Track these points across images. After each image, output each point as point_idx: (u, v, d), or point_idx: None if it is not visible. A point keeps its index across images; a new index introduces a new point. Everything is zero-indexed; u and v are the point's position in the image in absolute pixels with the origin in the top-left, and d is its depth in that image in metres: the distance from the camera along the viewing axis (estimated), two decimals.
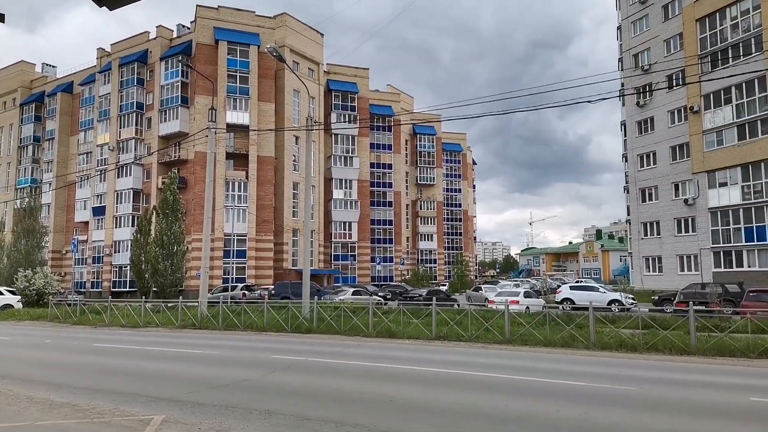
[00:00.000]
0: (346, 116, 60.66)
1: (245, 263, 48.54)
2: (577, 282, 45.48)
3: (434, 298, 20.11)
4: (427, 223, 79.97)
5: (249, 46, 50.80)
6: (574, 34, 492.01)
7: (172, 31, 55.38)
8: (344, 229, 60.27)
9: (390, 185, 69.14)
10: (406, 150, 78.06)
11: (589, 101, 17.24)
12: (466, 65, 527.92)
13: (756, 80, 35.14)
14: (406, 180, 77.42)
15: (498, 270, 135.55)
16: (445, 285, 60.78)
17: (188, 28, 55.35)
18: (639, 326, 15.75)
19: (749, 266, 35.58)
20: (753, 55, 34.98)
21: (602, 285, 42.47)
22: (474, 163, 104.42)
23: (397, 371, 11.25)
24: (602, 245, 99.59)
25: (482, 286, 41.35)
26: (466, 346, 15.66)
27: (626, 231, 50.83)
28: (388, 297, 37.88)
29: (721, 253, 37.39)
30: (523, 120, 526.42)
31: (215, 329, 20.81)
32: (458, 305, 27.06)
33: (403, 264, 70.15)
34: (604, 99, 17.63)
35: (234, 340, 17.81)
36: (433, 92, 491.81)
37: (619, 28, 47.41)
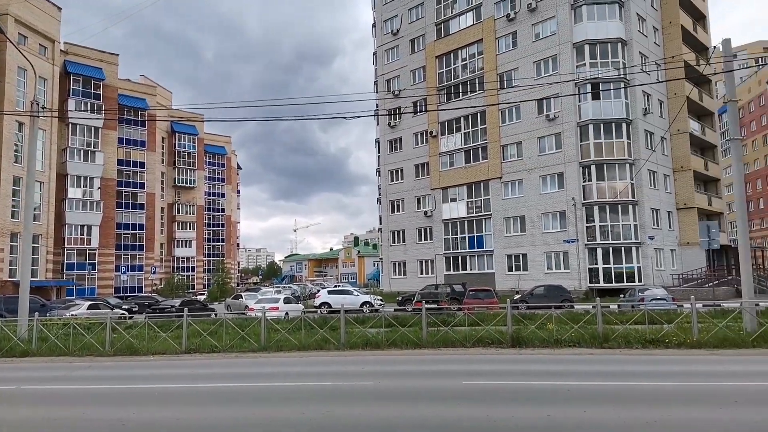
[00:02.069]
0: (89, 105, 53.19)
1: None
2: (335, 286, 47.91)
3: (186, 308, 18.82)
4: (186, 229, 75.03)
5: None
6: (337, 53, 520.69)
7: None
8: (82, 234, 52.50)
9: (142, 186, 62.88)
10: (163, 149, 72.15)
11: (344, 118, 18.35)
12: (231, 66, 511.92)
13: (478, 114, 42.28)
14: (162, 181, 71.49)
15: (261, 277, 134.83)
16: (203, 294, 57.73)
17: None
18: (382, 325, 17.28)
19: (471, 269, 42.39)
20: (477, 93, 41.99)
21: (357, 288, 45.64)
22: (239, 167, 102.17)
23: (136, 391, 10.14)
24: (359, 251, 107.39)
25: (243, 294, 40.47)
26: (220, 357, 15.02)
27: (379, 238, 55.78)
28: (134, 310, 34.24)
29: (451, 258, 43.76)
30: (288, 128, 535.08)
31: None
32: (216, 315, 25.88)
33: (154, 273, 64.31)
34: (359, 117, 19.00)
35: None
36: (194, 90, 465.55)
37: (375, 54, 52.00)
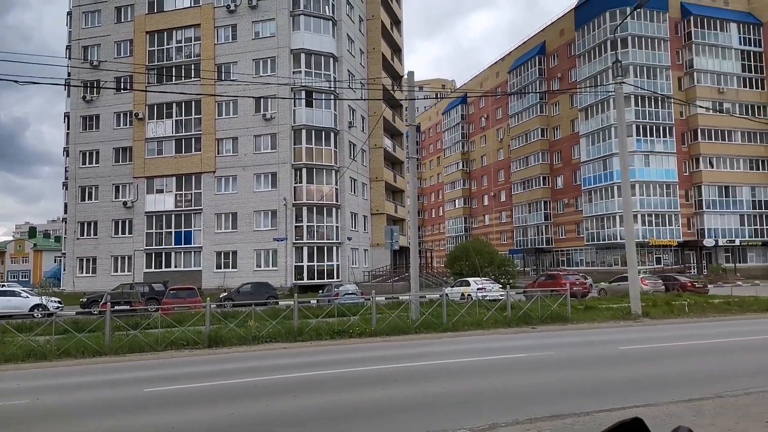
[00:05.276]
0: None
1: None
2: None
3: None
4: None
5: None
6: (16, 2, 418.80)
7: None
8: None
9: None
10: None
11: (16, 81, 14.99)
12: None
13: (193, 102, 40.10)
14: None
15: None
16: None
17: None
18: (53, 332, 14.62)
19: (176, 266, 39.82)
20: (192, 80, 39.71)
21: (28, 289, 37.92)
22: None
23: None
24: (35, 244, 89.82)
25: None
26: None
27: (64, 230, 47.61)
28: None
29: (153, 254, 40.33)
30: None
31: None
32: None
33: None
34: (38, 84, 15.75)
35: None
36: None
37: (69, 14, 44.39)
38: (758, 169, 51.54)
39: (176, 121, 40.83)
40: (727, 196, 50.50)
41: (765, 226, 51.20)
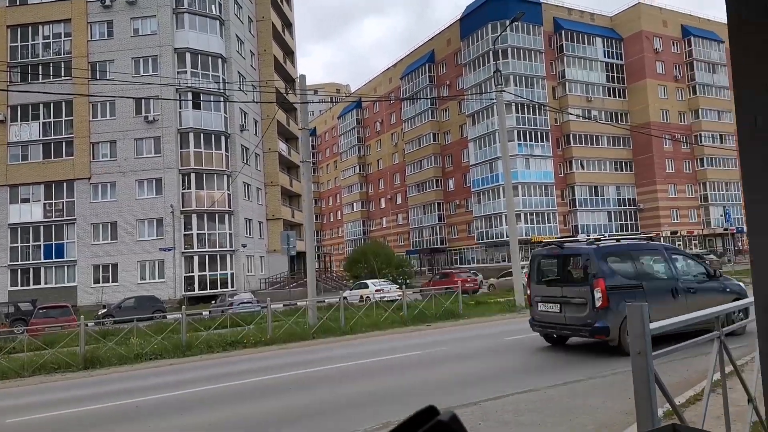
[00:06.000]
0: None
1: None
2: None
3: None
4: None
5: None
6: None
7: None
8: None
9: None
10: None
11: None
12: None
13: (63, 103, 36.61)
14: None
15: None
16: None
17: None
18: None
19: (47, 283, 36.06)
20: (62, 78, 36.20)
21: None
22: None
23: None
24: None
25: None
26: None
27: None
28: None
29: (19, 270, 36.24)
30: None
31: None
32: None
33: None
34: None
35: None
36: None
37: None
38: (622, 170, 57.44)
39: (44, 123, 37.05)
40: (596, 195, 55.72)
41: (629, 222, 57.11)
